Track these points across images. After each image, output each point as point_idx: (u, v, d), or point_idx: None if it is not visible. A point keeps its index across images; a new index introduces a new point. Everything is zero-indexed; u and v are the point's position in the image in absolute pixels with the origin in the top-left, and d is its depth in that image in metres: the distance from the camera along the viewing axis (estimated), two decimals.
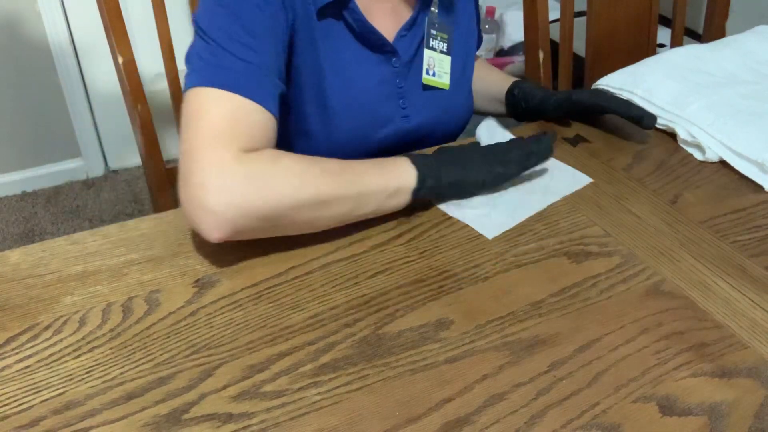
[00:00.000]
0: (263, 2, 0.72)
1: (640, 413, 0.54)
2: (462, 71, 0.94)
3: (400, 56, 0.86)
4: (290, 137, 0.85)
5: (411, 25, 0.87)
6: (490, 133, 0.88)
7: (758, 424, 0.54)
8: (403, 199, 0.72)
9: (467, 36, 0.95)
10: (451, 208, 0.76)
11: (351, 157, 0.81)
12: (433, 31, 0.89)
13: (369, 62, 0.84)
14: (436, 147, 0.78)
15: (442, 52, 0.90)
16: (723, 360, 0.59)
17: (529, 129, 0.95)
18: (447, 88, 0.91)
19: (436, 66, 0.90)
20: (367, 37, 0.82)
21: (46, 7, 1.85)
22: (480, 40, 1.07)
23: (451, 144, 0.82)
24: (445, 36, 0.90)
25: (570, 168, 0.85)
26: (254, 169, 0.64)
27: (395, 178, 0.71)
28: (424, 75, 0.89)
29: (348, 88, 0.83)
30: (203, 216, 0.63)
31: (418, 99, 0.89)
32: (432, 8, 0.88)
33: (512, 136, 0.85)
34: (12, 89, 1.93)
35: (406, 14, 0.87)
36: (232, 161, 0.63)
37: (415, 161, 0.73)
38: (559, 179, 0.82)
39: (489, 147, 0.78)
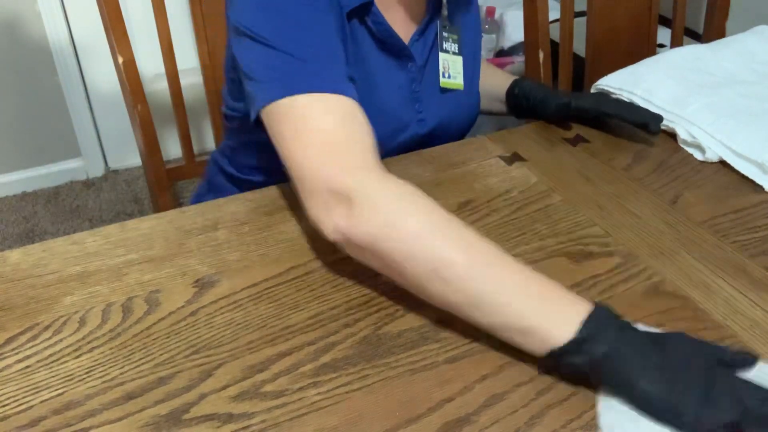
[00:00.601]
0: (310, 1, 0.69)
1: None
2: (472, 70, 0.94)
3: (415, 61, 0.86)
4: None
5: (423, 30, 0.87)
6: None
7: None
8: (536, 348, 0.55)
9: (474, 34, 0.96)
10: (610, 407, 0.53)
11: None
12: (445, 34, 0.89)
13: (389, 68, 0.84)
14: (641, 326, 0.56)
15: (454, 53, 0.91)
16: None
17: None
18: (462, 88, 0.92)
19: (450, 68, 0.90)
20: (388, 42, 0.83)
21: (46, 7, 1.85)
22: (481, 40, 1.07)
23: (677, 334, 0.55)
24: (456, 37, 0.91)
25: None
26: (399, 198, 0.59)
27: (547, 323, 0.54)
28: (441, 78, 0.89)
29: (372, 95, 0.82)
30: (328, 228, 0.61)
31: (433, 102, 0.89)
32: (443, 11, 0.88)
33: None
34: (12, 89, 1.93)
35: (417, 19, 0.87)
36: (381, 177, 0.61)
37: (601, 324, 0.53)
38: None
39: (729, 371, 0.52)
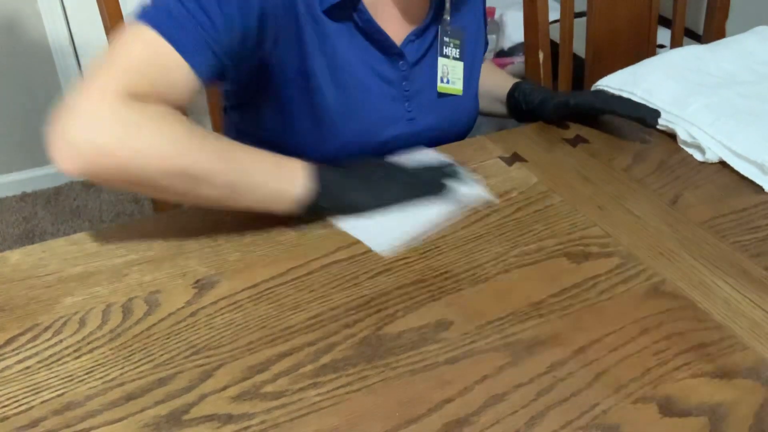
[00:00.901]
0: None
1: (640, 414, 0.54)
2: (470, 75, 0.94)
3: (407, 59, 0.86)
4: (277, 133, 0.85)
5: (422, 31, 0.87)
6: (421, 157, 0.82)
7: (758, 425, 0.54)
8: (287, 207, 0.70)
9: (476, 40, 0.96)
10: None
11: (346, 152, 0.82)
12: (446, 39, 0.89)
13: (376, 63, 0.84)
14: (346, 162, 0.75)
15: (455, 58, 0.91)
16: (723, 360, 0.59)
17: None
18: (460, 93, 0.92)
19: (450, 73, 0.90)
20: (375, 38, 0.82)
21: (46, 7, 1.85)
22: (486, 44, 1.07)
23: (366, 161, 0.78)
24: (458, 42, 0.91)
25: (475, 185, 0.79)
26: (134, 118, 0.61)
27: (286, 182, 0.69)
28: (439, 83, 0.89)
29: (348, 88, 0.82)
30: (60, 144, 0.60)
31: (426, 103, 0.89)
32: (445, 16, 0.88)
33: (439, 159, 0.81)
34: (12, 89, 1.93)
35: (416, 20, 0.87)
36: (117, 100, 0.61)
37: (318, 176, 0.70)
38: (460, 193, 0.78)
39: (400, 169, 0.77)
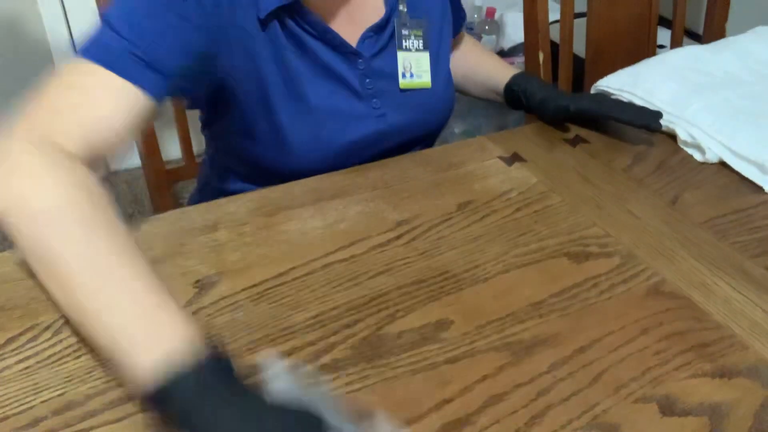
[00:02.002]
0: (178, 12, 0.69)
1: (640, 413, 0.54)
2: (436, 61, 0.90)
3: (364, 57, 0.84)
4: (235, 138, 0.84)
5: (381, 27, 0.85)
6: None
7: (758, 424, 0.54)
8: (126, 374, 0.50)
9: (441, 25, 0.92)
10: None
11: (311, 159, 0.80)
12: (405, 31, 0.86)
13: (333, 64, 0.82)
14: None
15: (418, 50, 0.87)
16: (723, 360, 0.59)
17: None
18: (429, 86, 0.89)
19: (413, 67, 0.87)
20: (327, 38, 0.80)
21: (46, 7, 1.85)
22: (463, 18, 1.03)
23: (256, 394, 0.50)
24: (419, 32, 0.87)
25: None
26: (36, 172, 0.56)
27: (140, 349, 0.49)
28: (401, 79, 0.86)
29: (306, 94, 0.80)
30: None
31: (395, 99, 0.87)
32: (400, 7, 0.86)
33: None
34: (12, 89, 1.93)
35: (371, 18, 0.85)
36: (32, 149, 0.58)
37: (176, 370, 0.47)
38: None
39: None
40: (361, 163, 0.85)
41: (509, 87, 0.97)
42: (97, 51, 0.66)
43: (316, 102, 0.81)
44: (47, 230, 0.53)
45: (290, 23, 0.78)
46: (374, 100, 0.86)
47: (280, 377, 0.51)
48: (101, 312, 0.51)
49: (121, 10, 0.69)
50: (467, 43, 1.07)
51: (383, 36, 0.85)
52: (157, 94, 0.68)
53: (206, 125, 0.90)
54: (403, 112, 0.88)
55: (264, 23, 0.76)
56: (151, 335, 0.49)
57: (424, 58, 0.88)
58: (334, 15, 0.82)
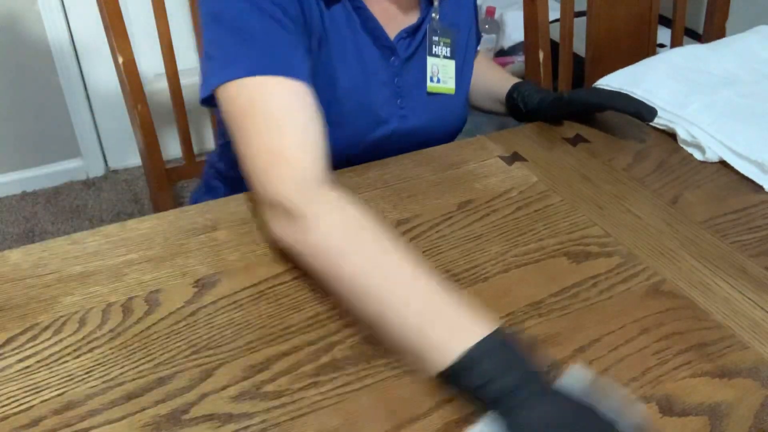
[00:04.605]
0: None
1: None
2: (461, 73, 0.94)
3: (399, 55, 0.86)
4: None
5: (414, 30, 0.87)
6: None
7: (758, 424, 0.54)
8: (427, 367, 0.55)
9: (468, 38, 0.96)
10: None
11: (345, 158, 0.80)
12: (435, 38, 0.89)
13: (371, 59, 0.84)
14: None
15: (445, 57, 0.90)
16: (723, 360, 0.59)
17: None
18: (453, 92, 0.92)
19: (440, 72, 0.90)
20: (369, 31, 0.82)
21: (46, 7, 1.85)
22: (479, 39, 1.06)
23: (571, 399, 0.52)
24: (448, 40, 0.90)
25: None
26: (320, 216, 0.62)
27: (437, 346, 0.54)
28: (429, 83, 0.89)
29: (351, 85, 0.82)
30: (288, 234, 0.64)
31: (418, 101, 0.89)
32: (433, 14, 0.88)
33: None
34: (12, 89, 1.93)
35: (408, 19, 0.87)
36: (310, 191, 0.64)
37: (479, 354, 0.52)
38: None
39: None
40: (378, 159, 0.86)
41: (510, 95, 0.99)
42: (246, 65, 0.68)
43: (358, 93, 0.83)
44: (348, 263, 0.60)
45: (345, 7, 0.80)
46: (399, 100, 0.88)
47: (576, 381, 0.53)
48: (408, 311, 0.56)
49: (226, 27, 0.71)
50: (479, 58, 1.09)
51: (416, 40, 0.88)
52: (306, 77, 0.70)
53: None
54: (423, 115, 0.90)
55: (328, 3, 0.78)
56: (454, 323, 0.55)
57: (451, 65, 0.91)
58: (377, 8, 0.84)
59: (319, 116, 0.70)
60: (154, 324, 0.61)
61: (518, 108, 0.98)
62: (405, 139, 0.89)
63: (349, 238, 0.61)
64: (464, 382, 0.52)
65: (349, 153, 0.84)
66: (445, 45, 0.90)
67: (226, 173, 0.96)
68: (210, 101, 0.73)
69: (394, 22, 0.86)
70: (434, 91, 0.90)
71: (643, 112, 0.87)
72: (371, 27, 0.82)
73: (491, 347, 0.52)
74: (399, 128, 0.88)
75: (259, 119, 0.67)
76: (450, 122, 0.94)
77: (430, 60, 0.89)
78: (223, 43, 0.71)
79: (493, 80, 1.04)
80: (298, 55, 0.72)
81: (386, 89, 0.86)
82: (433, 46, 0.89)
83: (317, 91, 0.74)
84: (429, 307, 0.56)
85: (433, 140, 0.92)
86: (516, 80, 1.01)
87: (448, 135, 0.95)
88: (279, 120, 0.67)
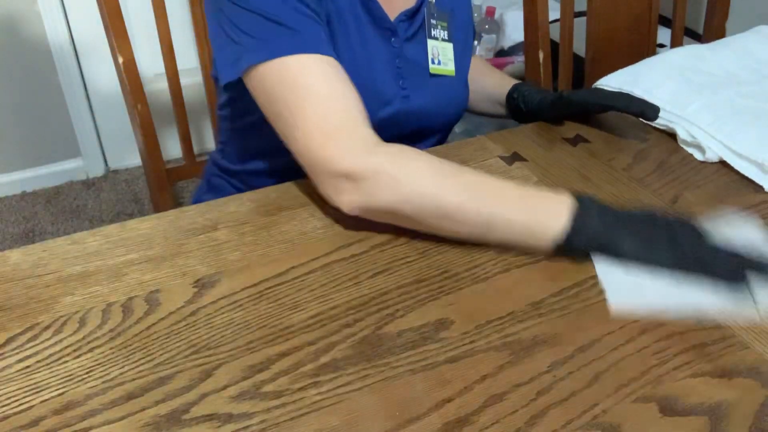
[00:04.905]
0: None
1: (640, 413, 0.54)
2: (462, 58, 0.95)
3: (399, 36, 0.87)
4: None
5: (413, 13, 0.88)
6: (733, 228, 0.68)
7: (758, 424, 0.54)
8: (543, 246, 0.67)
9: (464, 25, 0.97)
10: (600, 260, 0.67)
11: None
12: (433, 21, 0.90)
13: (373, 39, 0.85)
14: (616, 208, 0.68)
15: (443, 40, 0.92)
16: (723, 360, 0.59)
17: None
18: (453, 74, 0.93)
19: (440, 54, 0.91)
20: (370, 8, 0.83)
21: (46, 7, 1.85)
22: (474, 35, 1.07)
23: (651, 212, 0.68)
24: (444, 24, 0.92)
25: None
26: (399, 170, 0.67)
27: (543, 222, 0.66)
28: (431, 65, 0.90)
29: (354, 65, 0.82)
30: (351, 200, 0.68)
31: (420, 82, 0.90)
32: None
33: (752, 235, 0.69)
34: (12, 89, 1.93)
35: (407, 2, 0.88)
36: (374, 156, 0.67)
37: (583, 218, 0.65)
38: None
39: (695, 238, 0.65)
40: (386, 140, 0.86)
41: (510, 96, 0.99)
42: (280, 45, 0.70)
43: (362, 73, 0.83)
44: (438, 194, 0.67)
45: None
46: (401, 80, 0.88)
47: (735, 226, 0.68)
48: (499, 215, 0.66)
49: (250, 13, 0.71)
50: (475, 61, 1.10)
51: (415, 23, 0.89)
52: (333, 53, 0.73)
53: (230, 103, 0.90)
54: (426, 96, 0.91)
55: None
56: (547, 207, 0.67)
57: (449, 48, 0.93)
58: None
59: (350, 82, 0.72)
60: (154, 324, 0.61)
61: (519, 108, 0.98)
62: (409, 120, 0.89)
63: (438, 173, 0.68)
64: (581, 238, 0.65)
65: None
66: (443, 28, 0.92)
67: (228, 169, 0.97)
68: (234, 86, 0.75)
69: (394, 4, 0.87)
70: (436, 72, 0.91)
71: (647, 112, 0.87)
72: (372, 8, 0.83)
73: (586, 205, 0.66)
74: (402, 109, 0.88)
75: (304, 95, 0.69)
76: (452, 104, 0.95)
77: (430, 42, 0.90)
78: (249, 27, 0.71)
79: (492, 82, 1.04)
80: (322, 33, 0.74)
81: (388, 70, 0.87)
82: (432, 29, 0.90)
83: None
84: (527, 201, 0.67)
85: (437, 122, 0.93)
86: (515, 81, 1.01)
87: (451, 117, 0.96)
88: (324, 95, 0.69)
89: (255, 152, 0.92)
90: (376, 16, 0.84)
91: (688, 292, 0.63)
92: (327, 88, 0.70)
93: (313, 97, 0.69)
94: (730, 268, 0.63)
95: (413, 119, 0.90)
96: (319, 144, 0.68)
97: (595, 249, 0.66)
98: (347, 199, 0.68)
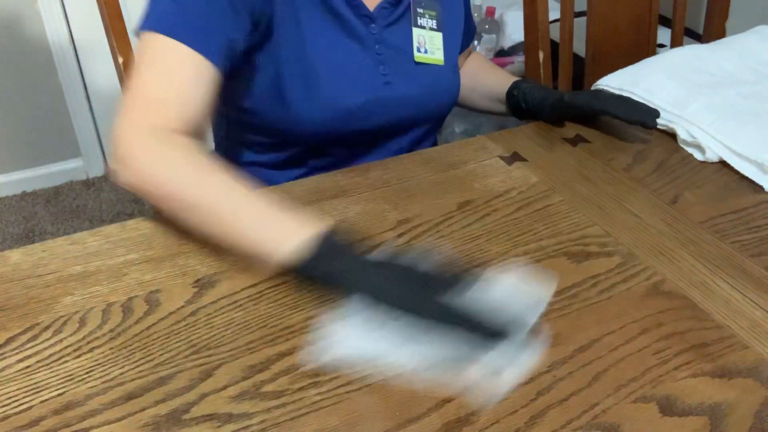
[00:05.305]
0: None
1: (640, 413, 0.54)
2: (449, 46, 0.94)
3: (378, 23, 0.87)
4: (264, 106, 0.85)
5: (397, 2, 0.88)
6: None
7: (758, 424, 0.54)
8: (271, 264, 0.63)
9: (455, 16, 0.96)
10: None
11: (333, 127, 0.84)
12: (420, 9, 0.90)
13: (348, 23, 0.85)
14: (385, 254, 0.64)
15: (431, 29, 0.91)
16: (723, 360, 0.59)
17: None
18: (442, 63, 0.92)
19: (427, 43, 0.91)
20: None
21: (46, 7, 1.85)
22: (473, 32, 1.06)
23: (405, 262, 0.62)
24: (433, 13, 0.92)
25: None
26: (156, 154, 0.68)
27: (274, 241, 0.63)
28: (416, 53, 0.90)
29: (325, 52, 0.83)
30: (116, 167, 0.69)
31: (404, 70, 0.89)
32: None
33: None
34: (12, 89, 1.93)
35: None
36: (143, 136, 0.69)
37: (320, 245, 0.61)
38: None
39: (446, 288, 0.59)
40: (366, 130, 0.87)
41: (510, 93, 0.99)
42: (164, 23, 0.72)
43: (334, 59, 0.84)
44: (178, 187, 0.67)
45: None
46: (382, 66, 0.88)
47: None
48: (240, 224, 0.65)
49: None
50: (476, 58, 1.10)
51: (398, 10, 0.89)
52: (220, 62, 0.74)
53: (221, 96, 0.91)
54: (412, 84, 0.90)
55: None
56: (285, 228, 0.64)
57: (438, 37, 0.92)
58: None
59: (208, 104, 0.74)
60: (154, 324, 0.61)
61: (519, 106, 0.98)
62: (392, 107, 0.89)
63: (189, 167, 0.68)
64: (305, 266, 0.61)
65: (333, 118, 0.85)
66: (431, 17, 0.91)
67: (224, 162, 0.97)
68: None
69: None
70: (422, 61, 0.90)
71: (647, 121, 0.87)
72: None
73: (327, 238, 0.62)
74: (383, 95, 0.88)
75: (155, 71, 0.72)
76: (441, 92, 0.94)
77: (415, 31, 0.90)
78: None
79: (493, 79, 1.04)
80: (225, 39, 0.75)
81: (367, 56, 0.87)
82: (418, 17, 0.90)
83: (283, 58, 0.80)
84: (267, 217, 0.65)
85: (425, 111, 0.93)
86: (515, 78, 1.01)
87: (441, 106, 0.95)
88: (172, 82, 0.72)
89: (247, 142, 0.93)
90: (352, 4, 0.84)
91: (424, 343, 0.57)
92: (178, 80, 0.72)
93: (161, 77, 0.72)
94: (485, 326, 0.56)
95: (397, 106, 0.89)
96: (126, 110, 0.71)
97: (332, 282, 0.61)
98: (112, 166, 0.70)
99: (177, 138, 0.69)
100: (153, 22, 0.73)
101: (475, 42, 2.00)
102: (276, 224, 0.64)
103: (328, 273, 0.61)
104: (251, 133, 0.91)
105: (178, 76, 0.72)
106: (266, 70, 0.83)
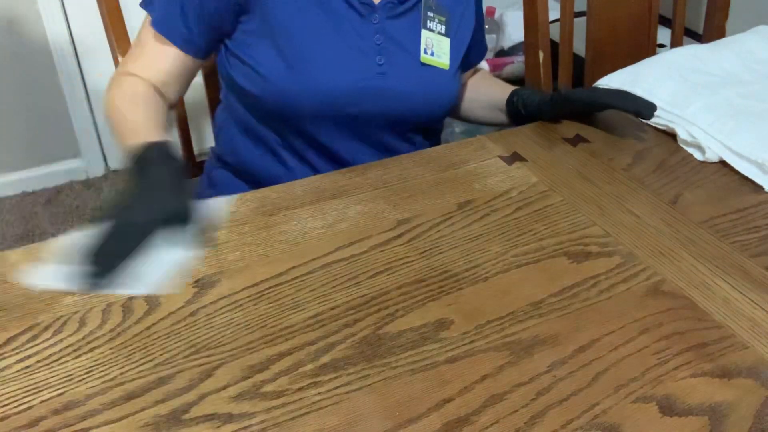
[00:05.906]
0: None
1: (640, 413, 0.54)
2: (455, 54, 0.95)
3: (380, 13, 0.87)
4: (244, 82, 0.88)
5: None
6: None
7: (758, 424, 0.54)
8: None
9: (463, 26, 0.97)
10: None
11: (316, 108, 0.87)
12: (430, 14, 0.91)
13: (349, 11, 0.86)
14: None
15: (440, 33, 0.93)
16: (723, 360, 0.59)
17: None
18: (447, 68, 0.93)
19: (435, 46, 0.92)
20: None
21: (46, 7, 1.85)
22: (484, 51, 1.08)
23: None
24: (443, 18, 0.93)
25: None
26: (112, 85, 0.89)
27: (125, 147, 0.79)
28: (422, 54, 0.91)
29: (319, 34, 0.85)
30: None
31: (405, 65, 0.90)
32: None
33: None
34: (12, 89, 1.93)
35: None
36: (117, 76, 0.91)
37: (129, 160, 0.75)
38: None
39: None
40: (360, 116, 0.89)
41: (510, 100, 1.00)
42: (160, 19, 0.87)
43: (331, 43, 0.85)
44: (117, 110, 0.87)
45: None
46: (378, 56, 0.88)
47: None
48: (126, 133, 0.83)
49: None
50: (481, 74, 1.12)
51: (405, 4, 0.89)
52: (193, 52, 0.89)
53: (220, 73, 0.96)
54: (410, 80, 0.91)
55: None
56: (142, 135, 0.79)
57: (446, 42, 0.93)
58: None
59: (175, 82, 0.91)
60: (154, 324, 0.61)
61: (519, 112, 0.98)
62: (388, 99, 0.90)
63: (125, 92, 0.87)
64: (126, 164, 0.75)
65: (321, 101, 0.86)
66: (440, 22, 0.92)
67: (222, 155, 0.99)
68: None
69: None
70: (428, 62, 0.92)
71: (643, 111, 0.87)
72: None
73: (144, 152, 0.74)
74: (377, 85, 0.88)
75: (140, 50, 0.90)
76: (440, 96, 0.95)
77: (424, 33, 0.91)
78: None
79: (493, 89, 1.05)
80: (193, 27, 0.87)
81: (364, 44, 0.87)
82: (428, 21, 0.91)
83: (274, 34, 0.85)
84: (140, 126, 0.83)
85: (423, 111, 0.94)
86: (513, 87, 1.02)
87: (437, 107, 0.96)
88: (148, 63, 0.89)
89: (245, 129, 0.94)
90: None
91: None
92: (152, 64, 0.89)
93: (140, 57, 0.89)
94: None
95: (393, 100, 0.90)
96: (121, 65, 0.92)
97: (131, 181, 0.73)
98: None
99: (136, 80, 0.87)
100: (154, 12, 0.87)
101: None
102: (139, 138, 0.77)
103: (132, 172, 0.73)
104: (247, 116, 0.93)
105: (155, 66, 0.89)
106: (258, 45, 0.86)
